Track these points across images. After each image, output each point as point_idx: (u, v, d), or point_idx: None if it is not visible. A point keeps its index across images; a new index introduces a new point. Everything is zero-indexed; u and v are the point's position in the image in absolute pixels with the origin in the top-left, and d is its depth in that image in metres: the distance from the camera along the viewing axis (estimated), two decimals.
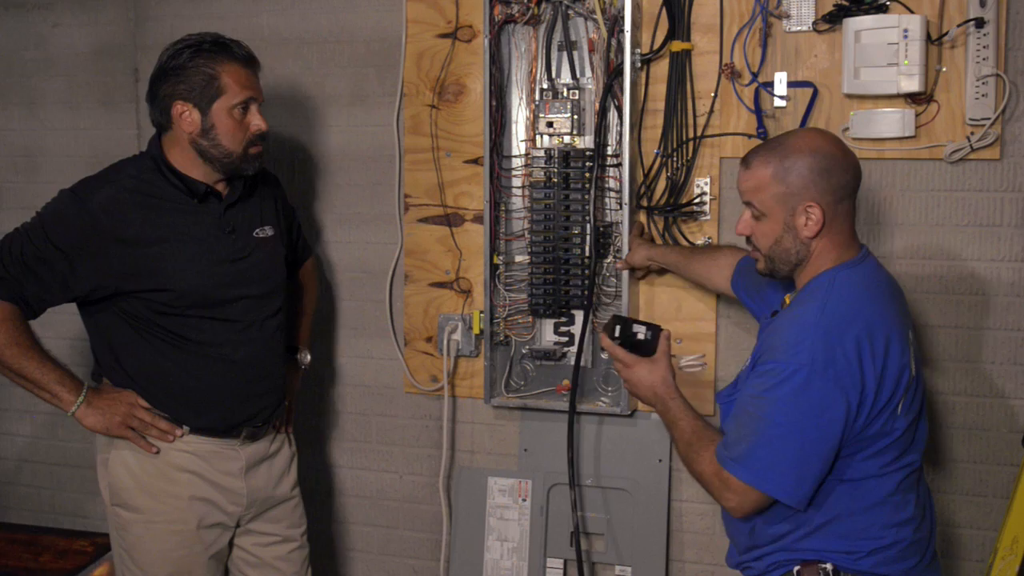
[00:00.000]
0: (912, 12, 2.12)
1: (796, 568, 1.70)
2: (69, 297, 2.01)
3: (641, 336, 1.86)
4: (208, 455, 2.12)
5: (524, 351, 2.46)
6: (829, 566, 1.68)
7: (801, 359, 1.59)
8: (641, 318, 1.93)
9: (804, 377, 1.58)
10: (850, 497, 1.67)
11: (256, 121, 2.05)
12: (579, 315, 2.39)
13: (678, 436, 1.77)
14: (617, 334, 1.87)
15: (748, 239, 1.78)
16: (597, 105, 2.32)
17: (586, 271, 2.34)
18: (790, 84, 2.23)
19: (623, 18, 2.22)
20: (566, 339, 2.42)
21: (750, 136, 2.26)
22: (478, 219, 2.48)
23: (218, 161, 2.04)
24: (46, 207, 2.02)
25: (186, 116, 2.00)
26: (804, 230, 1.69)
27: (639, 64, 2.30)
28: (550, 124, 2.35)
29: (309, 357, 2.44)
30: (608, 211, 2.35)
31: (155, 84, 2.03)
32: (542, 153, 2.36)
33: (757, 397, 1.63)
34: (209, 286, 2.05)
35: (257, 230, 2.16)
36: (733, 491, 1.64)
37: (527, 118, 2.41)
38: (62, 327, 2.67)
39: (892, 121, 2.16)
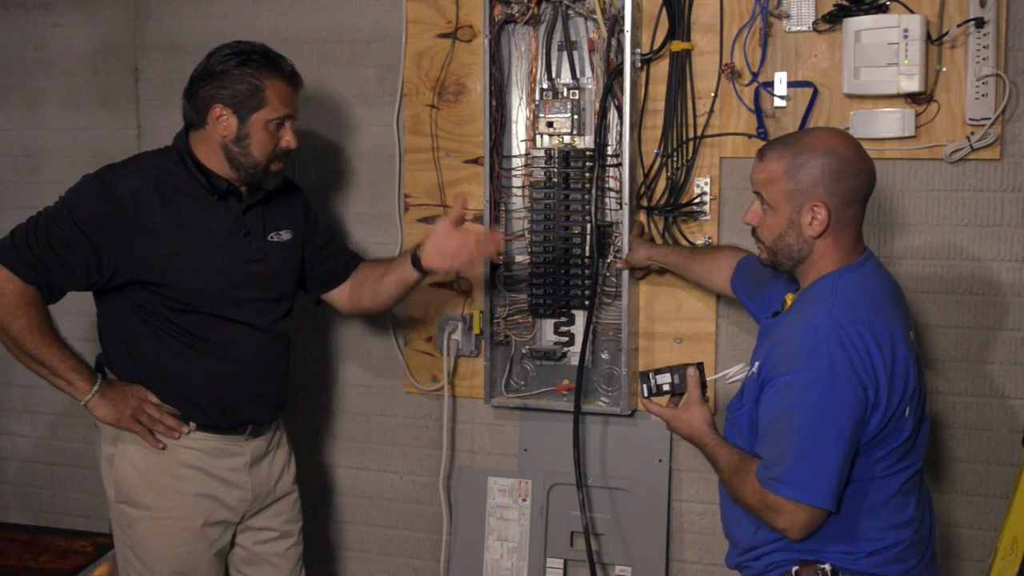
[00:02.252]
0: (912, 12, 2.12)
1: (795, 568, 1.70)
2: (91, 281, 2.01)
3: (667, 387, 1.88)
4: (214, 451, 2.13)
5: (524, 351, 2.46)
6: (827, 566, 1.68)
7: (821, 364, 1.58)
8: (667, 365, 1.94)
9: (828, 381, 1.58)
10: (853, 498, 1.66)
11: (287, 138, 2.08)
12: (579, 315, 2.39)
13: (720, 472, 1.76)
14: (646, 394, 1.90)
15: (754, 230, 1.78)
16: (597, 105, 2.32)
17: (586, 271, 2.34)
18: (790, 84, 2.23)
19: (623, 18, 2.22)
20: (566, 339, 2.42)
21: (750, 136, 2.26)
22: (478, 219, 2.48)
23: (243, 169, 2.06)
24: (70, 192, 2.03)
25: (223, 120, 2.02)
26: (809, 229, 1.68)
27: (639, 64, 2.30)
28: (550, 124, 2.35)
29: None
30: (608, 211, 2.35)
31: (196, 83, 2.05)
32: (542, 153, 2.36)
33: (785, 412, 1.62)
34: (221, 285, 2.06)
35: (272, 234, 2.16)
36: (781, 512, 1.62)
37: (527, 118, 2.41)
38: (67, 325, 2.67)
39: (892, 121, 2.16)
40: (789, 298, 1.79)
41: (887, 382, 1.61)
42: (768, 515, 1.64)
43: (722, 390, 2.35)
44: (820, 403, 1.58)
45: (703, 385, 1.86)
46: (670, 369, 1.89)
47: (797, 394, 1.60)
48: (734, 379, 1.92)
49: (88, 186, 2.02)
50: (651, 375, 1.89)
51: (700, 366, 1.87)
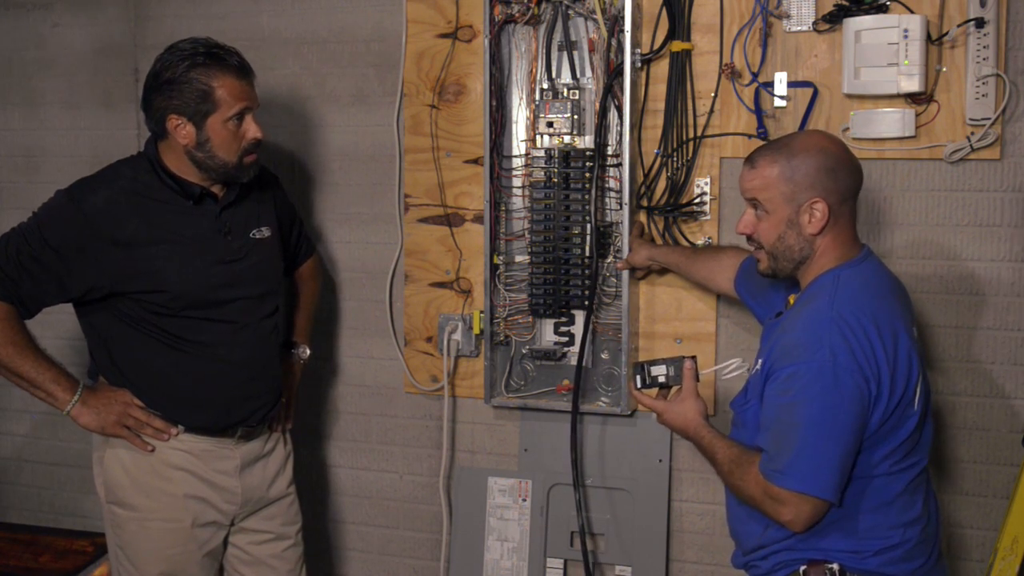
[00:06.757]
0: (912, 12, 2.12)
1: (802, 568, 1.70)
2: (64, 298, 2.02)
3: (662, 378, 1.88)
4: (203, 454, 2.13)
5: (524, 351, 2.46)
6: (836, 566, 1.68)
7: (823, 356, 1.59)
8: (661, 357, 1.92)
9: (830, 372, 1.58)
10: (859, 495, 1.67)
11: (252, 130, 2.05)
12: (579, 315, 2.39)
13: (718, 467, 1.77)
14: (639, 385, 1.89)
15: (749, 238, 1.79)
16: (597, 105, 2.32)
17: (586, 271, 2.34)
18: (790, 84, 2.23)
19: (623, 18, 2.22)
20: (566, 339, 2.42)
21: (750, 136, 2.26)
22: (478, 219, 2.48)
23: (213, 171, 2.05)
24: (42, 208, 2.02)
25: (181, 129, 2.00)
26: (808, 227, 1.70)
27: (639, 64, 2.30)
28: (550, 124, 2.35)
29: (308, 352, 2.44)
30: (608, 211, 2.35)
31: (149, 94, 2.03)
32: (542, 153, 2.36)
33: (788, 405, 1.62)
34: (204, 287, 2.05)
35: (254, 231, 2.16)
36: (785, 503, 1.62)
37: (527, 118, 2.41)
38: (61, 327, 2.67)
39: (892, 121, 2.16)
40: (792, 299, 1.80)
41: (889, 374, 1.62)
42: (771, 507, 1.64)
43: (722, 390, 2.35)
44: (823, 395, 1.59)
45: (696, 379, 1.87)
46: (665, 361, 1.89)
47: (800, 386, 1.60)
48: (730, 374, 1.93)
49: (59, 203, 2.00)
50: (646, 366, 1.89)
51: (695, 359, 1.87)
